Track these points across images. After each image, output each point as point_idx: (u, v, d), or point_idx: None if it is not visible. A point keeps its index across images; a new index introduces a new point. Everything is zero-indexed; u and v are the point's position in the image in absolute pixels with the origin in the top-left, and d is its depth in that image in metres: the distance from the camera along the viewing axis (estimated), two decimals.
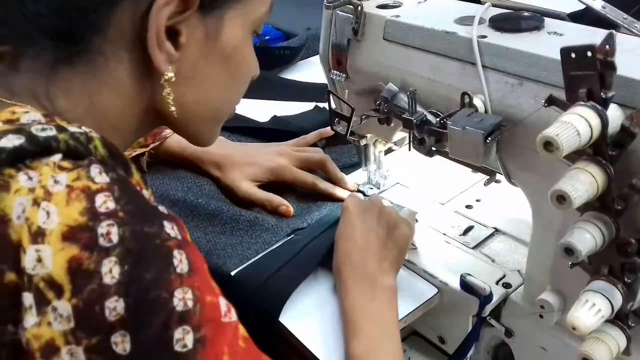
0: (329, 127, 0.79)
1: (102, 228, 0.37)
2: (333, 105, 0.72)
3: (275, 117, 1.02)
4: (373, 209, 0.68)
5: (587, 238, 0.46)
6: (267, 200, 0.77)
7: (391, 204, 0.78)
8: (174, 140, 0.83)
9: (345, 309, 0.61)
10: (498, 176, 0.65)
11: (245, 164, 0.80)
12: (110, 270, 0.36)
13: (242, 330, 0.43)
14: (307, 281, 0.68)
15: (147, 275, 0.37)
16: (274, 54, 1.25)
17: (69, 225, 0.37)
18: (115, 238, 0.37)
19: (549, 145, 0.43)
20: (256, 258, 0.71)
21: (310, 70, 1.22)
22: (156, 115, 0.49)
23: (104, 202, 0.38)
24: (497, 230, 0.75)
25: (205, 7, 0.46)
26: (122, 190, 0.40)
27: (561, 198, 0.44)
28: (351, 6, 0.67)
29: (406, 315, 0.66)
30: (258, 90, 1.14)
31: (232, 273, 0.70)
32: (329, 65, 0.73)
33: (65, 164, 0.40)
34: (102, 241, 0.37)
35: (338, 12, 0.69)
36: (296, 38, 1.33)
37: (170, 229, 0.40)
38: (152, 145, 0.83)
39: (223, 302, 0.41)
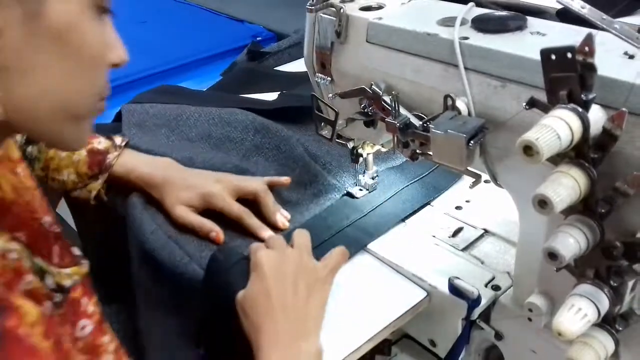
0: (284, 177, 0.81)
1: None
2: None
3: (282, 93, 1.01)
4: (289, 264, 0.62)
5: (570, 242, 0.46)
6: (199, 225, 0.75)
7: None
8: (119, 165, 0.80)
9: None
10: (486, 177, 0.64)
11: (183, 188, 0.77)
12: None
13: None
14: None
15: None
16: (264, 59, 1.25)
17: None
18: None
19: (528, 149, 0.42)
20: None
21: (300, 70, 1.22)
22: None
23: None
24: (486, 232, 0.75)
25: None
26: None
27: (543, 203, 0.44)
28: (334, 9, 0.66)
29: (395, 320, 0.65)
30: (251, 84, 1.15)
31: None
32: (314, 69, 0.72)
33: None
34: None
35: (321, 14, 0.68)
36: (286, 39, 1.33)
37: None
38: (101, 178, 0.79)
39: None
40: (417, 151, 0.60)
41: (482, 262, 0.70)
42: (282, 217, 0.78)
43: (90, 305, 0.55)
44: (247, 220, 0.76)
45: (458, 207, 0.79)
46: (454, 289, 0.64)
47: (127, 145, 0.82)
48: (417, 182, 0.84)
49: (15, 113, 0.42)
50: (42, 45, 0.41)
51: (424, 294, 0.68)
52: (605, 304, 0.49)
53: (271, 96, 1.06)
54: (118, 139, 0.82)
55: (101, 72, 0.46)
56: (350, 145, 0.77)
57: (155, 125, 0.91)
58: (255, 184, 0.78)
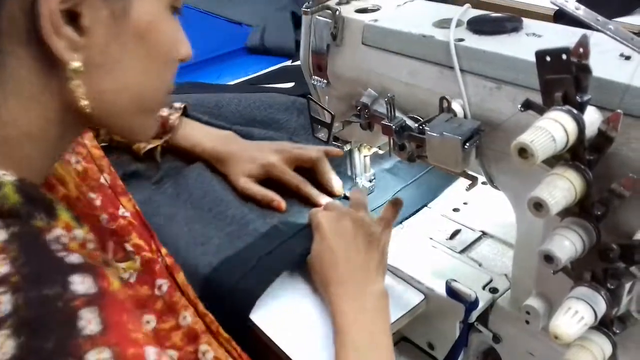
0: (336, 149, 0.82)
1: None
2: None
3: (297, 82, 1.04)
4: (346, 220, 0.68)
5: (566, 245, 0.45)
6: (261, 195, 0.79)
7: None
8: (182, 137, 0.87)
9: (336, 322, 0.61)
10: (483, 179, 0.64)
11: (245, 161, 0.82)
12: (1, 346, 0.33)
13: None
14: (282, 280, 0.69)
15: (47, 345, 0.33)
16: None
17: None
18: (6, 308, 0.34)
19: (523, 152, 0.42)
20: (230, 254, 0.71)
21: None
22: (76, 115, 0.44)
23: None
24: (484, 234, 0.74)
25: None
26: (21, 249, 0.36)
27: (538, 205, 0.43)
28: (329, 11, 0.66)
29: (392, 323, 0.65)
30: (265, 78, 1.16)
31: (209, 269, 0.69)
32: (310, 71, 0.72)
33: None
34: None
35: (317, 17, 0.68)
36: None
37: (79, 284, 0.37)
38: (165, 138, 0.86)
39: (151, 351, 0.37)
40: (414, 153, 0.60)
41: (480, 265, 0.70)
42: (338, 183, 0.82)
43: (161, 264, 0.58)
44: (305, 189, 0.80)
45: (455, 209, 0.79)
46: (452, 292, 0.64)
47: (185, 111, 0.89)
48: (414, 184, 0.84)
49: (96, 107, 0.44)
50: (125, 44, 0.43)
51: (422, 297, 0.67)
52: (602, 306, 0.48)
53: (287, 85, 1.09)
54: (177, 104, 0.89)
55: (173, 68, 0.49)
56: (347, 147, 0.77)
57: (198, 114, 0.93)
58: (313, 152, 0.82)
